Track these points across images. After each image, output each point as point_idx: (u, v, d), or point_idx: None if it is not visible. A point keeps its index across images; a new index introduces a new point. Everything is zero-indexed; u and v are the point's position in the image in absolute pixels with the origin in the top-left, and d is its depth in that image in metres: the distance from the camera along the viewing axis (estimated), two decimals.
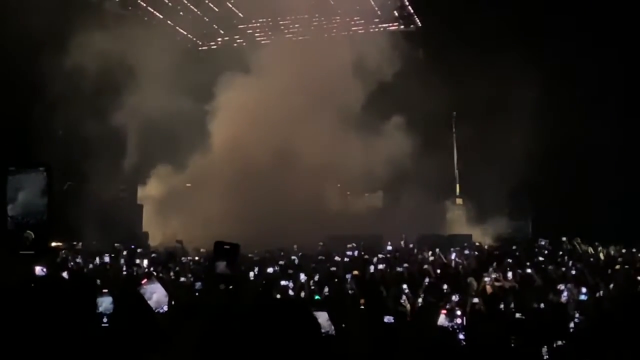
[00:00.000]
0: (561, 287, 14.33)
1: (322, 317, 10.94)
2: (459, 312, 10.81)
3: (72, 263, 19.13)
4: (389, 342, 9.62)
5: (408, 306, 12.67)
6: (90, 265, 18.88)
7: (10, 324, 7.81)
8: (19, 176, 23.96)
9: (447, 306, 11.64)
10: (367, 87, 30.36)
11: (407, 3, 29.36)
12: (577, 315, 11.65)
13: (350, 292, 13.98)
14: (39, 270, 14.58)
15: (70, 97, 25.27)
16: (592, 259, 22.83)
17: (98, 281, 13.62)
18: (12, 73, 23.76)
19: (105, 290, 10.50)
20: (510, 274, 16.90)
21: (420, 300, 13.21)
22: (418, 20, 30.18)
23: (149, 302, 10.57)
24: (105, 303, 9.85)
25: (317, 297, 13.31)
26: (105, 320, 9.52)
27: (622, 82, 27.20)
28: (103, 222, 24.85)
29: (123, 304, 10.51)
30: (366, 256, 20.98)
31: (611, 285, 15.73)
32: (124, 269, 18.39)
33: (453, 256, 21.58)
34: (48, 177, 24.42)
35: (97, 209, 25.67)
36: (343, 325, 10.39)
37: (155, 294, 10.84)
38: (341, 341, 9.71)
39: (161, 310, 10.56)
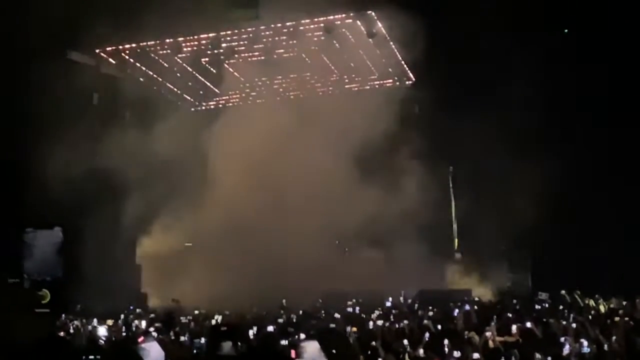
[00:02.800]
0: (562, 340, 14.28)
1: (313, 346, 11.01)
2: None
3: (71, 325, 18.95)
4: None
5: None
6: (90, 328, 18.67)
7: None
8: (35, 234, 24.13)
9: None
10: (364, 144, 30.50)
11: (401, 60, 29.55)
12: None
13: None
14: None
15: (71, 164, 25.42)
16: (592, 312, 22.74)
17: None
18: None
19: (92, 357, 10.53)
20: (514, 328, 16.83)
21: (421, 354, 13.12)
22: (412, 76, 30.40)
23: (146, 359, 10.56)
24: None
25: None
26: None
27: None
28: (102, 285, 24.72)
29: None
30: (363, 315, 20.89)
31: (613, 338, 15.65)
32: (123, 330, 18.24)
33: (455, 312, 21.50)
34: (64, 236, 24.63)
35: (96, 271, 25.62)
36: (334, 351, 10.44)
37: (152, 352, 10.84)
38: None
39: None
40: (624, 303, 24.34)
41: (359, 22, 27.71)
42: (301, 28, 27.93)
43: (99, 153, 26.85)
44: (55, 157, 24.21)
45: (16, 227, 23.72)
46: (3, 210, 23.01)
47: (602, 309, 23.62)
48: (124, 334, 17.91)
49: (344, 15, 27.16)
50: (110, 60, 28.83)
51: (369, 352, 12.39)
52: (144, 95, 29.24)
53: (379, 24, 27.61)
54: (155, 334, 16.72)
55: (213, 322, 19.08)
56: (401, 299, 25.50)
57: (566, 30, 27.73)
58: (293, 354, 11.49)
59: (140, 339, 11.62)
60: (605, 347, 14.38)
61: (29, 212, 24.23)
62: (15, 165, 23.71)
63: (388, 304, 23.50)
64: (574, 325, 18.30)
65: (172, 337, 15.98)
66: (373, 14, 26.92)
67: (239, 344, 13.02)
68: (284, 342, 14.66)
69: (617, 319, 20.49)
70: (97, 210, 27.92)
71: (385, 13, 26.84)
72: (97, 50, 28.12)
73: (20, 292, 21.12)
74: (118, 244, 27.80)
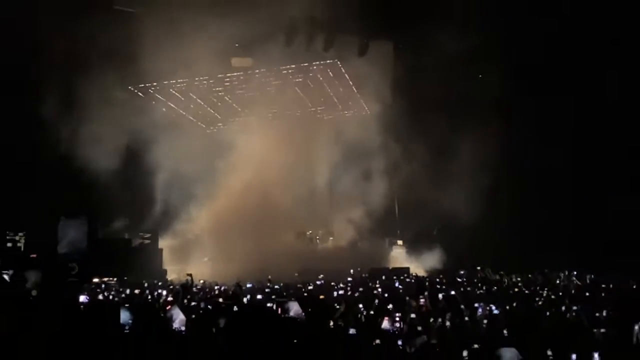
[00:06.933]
0: (477, 305, 14.35)
1: (295, 305, 11.23)
2: (397, 319, 10.87)
3: (106, 293, 18.82)
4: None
5: (363, 319, 12.62)
6: (123, 295, 18.54)
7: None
8: (67, 223, 24.14)
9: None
10: (332, 159, 30.76)
11: (357, 94, 29.70)
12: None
13: None
14: (83, 298, 14.52)
15: (108, 173, 25.64)
16: (499, 284, 22.87)
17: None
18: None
19: (127, 305, 10.64)
20: (440, 296, 16.88)
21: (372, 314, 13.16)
22: (366, 107, 30.53)
23: (173, 323, 10.73)
24: (124, 316, 10.01)
25: None
26: (126, 327, 9.71)
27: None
28: (133, 263, 24.76)
29: (147, 320, 10.54)
30: (332, 283, 20.93)
31: (514, 304, 15.75)
32: (149, 297, 18.11)
33: (397, 284, 21.54)
34: (89, 224, 24.63)
35: (127, 253, 25.62)
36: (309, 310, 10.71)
37: (177, 317, 11.03)
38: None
39: (182, 329, 10.59)
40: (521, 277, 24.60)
41: (328, 69, 27.75)
42: (284, 72, 27.93)
43: (127, 162, 26.99)
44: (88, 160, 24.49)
45: (51, 216, 23.68)
46: (41, 204, 22.85)
47: (505, 281, 23.75)
48: (149, 299, 17.85)
49: (316, 63, 27.19)
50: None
51: (334, 313, 12.42)
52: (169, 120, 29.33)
53: (342, 70, 27.68)
54: (170, 299, 16.76)
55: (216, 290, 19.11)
56: (358, 274, 25.41)
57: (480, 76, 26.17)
58: (280, 311, 11.56)
59: (168, 307, 11.63)
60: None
61: (61, 204, 24.16)
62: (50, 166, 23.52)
63: (349, 278, 23.44)
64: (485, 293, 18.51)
65: (185, 302, 15.91)
66: (338, 62, 26.97)
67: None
68: (269, 305, 14.67)
69: (516, 289, 20.72)
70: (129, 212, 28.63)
71: (347, 61, 26.92)
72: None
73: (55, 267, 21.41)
74: (144, 235, 27.81)
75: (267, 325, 8.93)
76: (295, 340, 8.62)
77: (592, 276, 24.73)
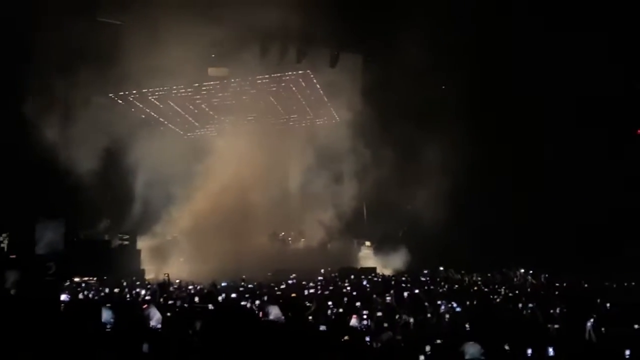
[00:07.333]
0: (439, 302, 14.61)
1: (276, 309, 11.35)
2: (365, 316, 11.07)
3: (87, 292, 18.75)
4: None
5: (333, 316, 12.79)
6: (102, 294, 18.49)
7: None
8: (45, 224, 23.93)
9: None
10: (304, 164, 30.95)
11: (327, 102, 29.88)
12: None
13: None
14: (64, 296, 14.47)
15: (89, 176, 25.60)
16: (460, 283, 23.24)
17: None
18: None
19: (108, 305, 10.67)
20: (405, 294, 17.12)
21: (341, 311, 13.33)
22: (336, 115, 30.71)
23: (150, 321, 10.73)
24: (106, 315, 10.01)
25: None
26: (107, 326, 9.73)
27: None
28: (112, 263, 24.66)
29: (127, 318, 10.57)
30: (303, 282, 21.07)
31: (474, 301, 16.07)
32: (128, 296, 18.09)
33: (365, 283, 21.75)
34: (67, 226, 24.45)
35: (107, 253, 25.48)
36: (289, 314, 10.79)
37: (155, 316, 11.02)
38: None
39: (158, 326, 10.66)
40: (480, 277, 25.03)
41: (300, 79, 27.91)
42: (258, 81, 28.01)
43: (108, 166, 26.93)
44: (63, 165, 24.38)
45: (30, 218, 23.47)
46: (20, 205, 22.73)
47: (466, 280, 24.14)
48: (128, 298, 17.82)
49: (289, 73, 27.34)
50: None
51: (306, 311, 12.60)
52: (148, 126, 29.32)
53: (314, 80, 27.88)
54: (148, 297, 16.77)
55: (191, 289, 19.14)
56: (328, 274, 25.57)
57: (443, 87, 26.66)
58: (261, 314, 11.66)
59: (145, 306, 11.65)
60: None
61: (39, 205, 23.93)
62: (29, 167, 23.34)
63: (319, 277, 23.61)
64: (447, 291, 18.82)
65: (162, 301, 15.93)
66: (310, 72, 27.16)
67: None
68: (244, 303, 14.77)
69: (476, 287, 21.11)
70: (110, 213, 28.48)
71: (318, 72, 27.13)
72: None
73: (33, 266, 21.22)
74: (123, 236, 27.67)
75: (244, 326, 9.10)
76: (274, 342, 8.78)
77: (547, 275, 25.32)
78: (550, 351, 8.99)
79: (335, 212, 30.59)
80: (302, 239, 32.37)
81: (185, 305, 14.88)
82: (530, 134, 26.13)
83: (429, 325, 12.20)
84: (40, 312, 9.55)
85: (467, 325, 11.68)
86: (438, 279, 23.57)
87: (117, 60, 23.09)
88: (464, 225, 26.51)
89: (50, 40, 20.53)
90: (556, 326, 11.75)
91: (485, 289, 20.33)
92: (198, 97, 29.49)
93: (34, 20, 20.21)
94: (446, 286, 20.91)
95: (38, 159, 23.39)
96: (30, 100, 23.01)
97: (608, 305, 15.06)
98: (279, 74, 27.44)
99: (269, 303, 14.26)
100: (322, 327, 10.65)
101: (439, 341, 9.60)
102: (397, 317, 12.29)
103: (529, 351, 8.99)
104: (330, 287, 19.78)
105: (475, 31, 22.34)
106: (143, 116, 29.91)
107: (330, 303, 14.18)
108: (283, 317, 11.15)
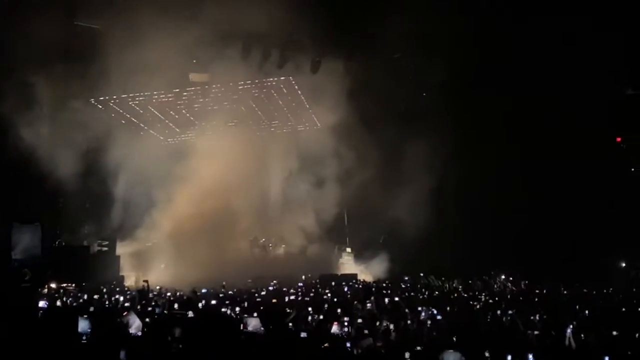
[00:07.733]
0: (420, 309, 14.61)
1: (255, 321, 11.21)
2: (346, 324, 10.99)
3: (65, 298, 18.45)
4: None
5: (314, 323, 12.71)
6: (81, 300, 18.21)
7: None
8: (21, 229, 23.45)
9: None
10: (285, 170, 30.86)
11: (309, 108, 29.86)
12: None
13: None
14: (42, 303, 14.22)
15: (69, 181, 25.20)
16: (441, 289, 23.25)
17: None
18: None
19: (85, 316, 10.46)
20: (386, 300, 17.09)
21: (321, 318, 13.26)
22: (317, 121, 30.68)
23: (129, 329, 10.58)
24: (83, 325, 9.81)
25: None
26: (83, 337, 9.51)
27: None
28: (91, 270, 24.25)
29: (106, 327, 10.37)
30: (284, 289, 20.97)
31: (455, 308, 16.09)
32: (107, 302, 17.83)
33: (345, 289, 21.69)
34: (42, 231, 23.98)
35: (86, 260, 25.13)
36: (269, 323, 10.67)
37: (134, 323, 10.88)
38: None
39: (138, 334, 10.53)
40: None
41: (281, 85, 27.87)
42: (240, 87, 27.92)
43: (88, 171, 26.66)
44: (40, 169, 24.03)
45: (5, 222, 23.03)
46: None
47: (447, 287, 24.17)
48: (107, 304, 17.57)
49: (270, 79, 27.29)
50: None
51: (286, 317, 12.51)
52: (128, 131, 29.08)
53: (295, 86, 27.85)
54: (127, 304, 16.55)
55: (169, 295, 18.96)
56: (309, 280, 25.48)
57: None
58: (242, 326, 11.51)
59: (124, 313, 11.48)
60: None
61: (16, 210, 23.50)
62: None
63: (300, 284, 23.51)
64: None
65: (140, 307, 15.74)
66: (291, 78, 27.14)
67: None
68: (224, 310, 14.64)
69: (456, 294, 21.15)
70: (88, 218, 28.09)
71: (300, 78, 27.12)
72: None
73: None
74: (102, 242, 27.32)
75: (224, 333, 8.98)
76: (254, 349, 8.70)
77: (527, 282, 25.45)
78: (530, 358, 9.03)
79: (316, 218, 30.53)
80: (283, 245, 32.24)
81: (165, 312, 14.71)
82: (512, 140, 26.36)
83: (409, 332, 12.16)
84: (15, 320, 9.33)
85: (447, 332, 11.68)
86: (419, 286, 23.56)
87: (97, 64, 22.92)
88: (445, 231, 26.57)
89: (29, 45, 20.32)
90: (536, 333, 11.77)
91: (466, 296, 20.38)
92: (179, 102, 29.31)
93: (11, 23, 19.97)
94: (427, 293, 20.93)
95: (16, 163, 23.06)
96: (7, 104, 22.65)
97: (587, 311, 15.20)
98: (260, 80, 27.39)
99: (250, 310, 14.17)
100: (303, 334, 10.58)
101: (419, 348, 9.58)
102: (377, 323, 12.25)
103: (509, 358, 9.03)
104: (311, 294, 19.71)
105: (456, 34, 22.39)
106: (123, 121, 29.64)
107: (310, 310, 14.12)
108: (262, 329, 11.02)
